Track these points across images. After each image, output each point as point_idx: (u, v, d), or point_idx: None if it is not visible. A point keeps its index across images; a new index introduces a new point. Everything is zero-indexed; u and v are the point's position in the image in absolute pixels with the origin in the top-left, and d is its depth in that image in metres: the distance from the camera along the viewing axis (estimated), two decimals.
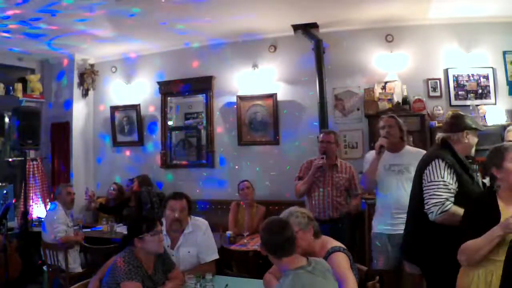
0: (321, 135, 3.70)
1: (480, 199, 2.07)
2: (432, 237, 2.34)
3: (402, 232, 2.93)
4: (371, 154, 3.19)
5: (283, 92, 5.10)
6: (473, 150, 2.48)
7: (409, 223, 2.60)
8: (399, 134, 3.07)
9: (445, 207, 2.23)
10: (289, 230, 1.91)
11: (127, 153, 5.88)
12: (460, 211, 2.16)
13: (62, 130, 5.76)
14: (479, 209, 1.98)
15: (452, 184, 2.28)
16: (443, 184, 2.28)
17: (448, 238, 2.12)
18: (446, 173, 2.29)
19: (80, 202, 5.33)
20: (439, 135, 2.49)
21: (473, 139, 2.42)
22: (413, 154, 3.07)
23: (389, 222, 2.98)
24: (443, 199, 2.24)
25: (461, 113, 2.57)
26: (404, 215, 2.94)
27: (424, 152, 3.06)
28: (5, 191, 4.89)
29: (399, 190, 2.97)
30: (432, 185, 2.30)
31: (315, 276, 1.80)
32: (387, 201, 3.01)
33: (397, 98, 4.63)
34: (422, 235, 2.41)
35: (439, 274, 2.31)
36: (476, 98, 4.50)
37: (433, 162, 2.34)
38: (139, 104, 5.78)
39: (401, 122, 3.13)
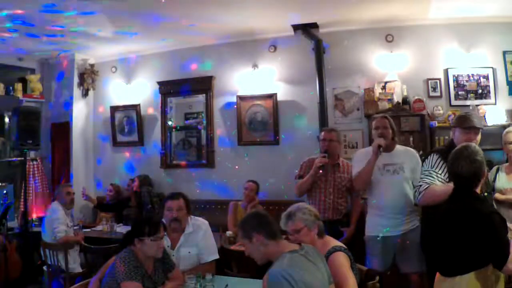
0: (322, 133, 3.56)
1: None
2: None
3: (398, 233, 2.92)
4: (361, 154, 3.20)
5: (283, 92, 5.10)
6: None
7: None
8: (392, 135, 3.09)
9: (421, 188, 2.43)
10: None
11: (127, 153, 5.87)
12: (438, 187, 2.36)
13: (62, 130, 5.75)
14: None
15: (440, 173, 2.45)
16: (428, 173, 2.49)
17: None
18: (436, 163, 2.50)
19: (80, 202, 5.33)
20: None
21: (460, 136, 2.61)
22: (404, 152, 3.13)
23: (385, 224, 2.95)
24: (423, 183, 2.45)
25: (462, 113, 2.81)
26: (400, 216, 2.93)
27: (413, 150, 3.17)
28: (5, 191, 4.89)
29: (395, 191, 2.95)
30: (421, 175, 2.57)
31: (307, 260, 1.85)
32: (383, 203, 2.98)
33: (397, 98, 4.63)
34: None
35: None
36: (476, 98, 4.50)
37: (429, 156, 2.60)
38: (139, 104, 5.77)
39: (392, 121, 3.16)
